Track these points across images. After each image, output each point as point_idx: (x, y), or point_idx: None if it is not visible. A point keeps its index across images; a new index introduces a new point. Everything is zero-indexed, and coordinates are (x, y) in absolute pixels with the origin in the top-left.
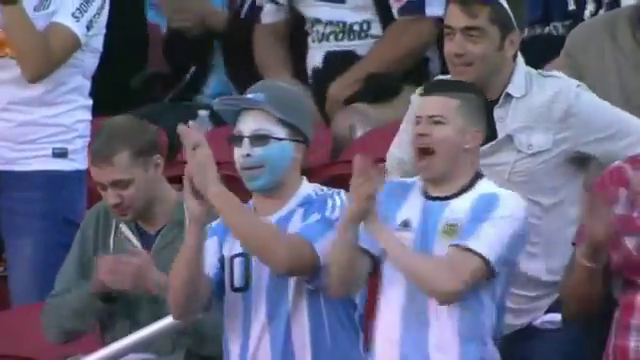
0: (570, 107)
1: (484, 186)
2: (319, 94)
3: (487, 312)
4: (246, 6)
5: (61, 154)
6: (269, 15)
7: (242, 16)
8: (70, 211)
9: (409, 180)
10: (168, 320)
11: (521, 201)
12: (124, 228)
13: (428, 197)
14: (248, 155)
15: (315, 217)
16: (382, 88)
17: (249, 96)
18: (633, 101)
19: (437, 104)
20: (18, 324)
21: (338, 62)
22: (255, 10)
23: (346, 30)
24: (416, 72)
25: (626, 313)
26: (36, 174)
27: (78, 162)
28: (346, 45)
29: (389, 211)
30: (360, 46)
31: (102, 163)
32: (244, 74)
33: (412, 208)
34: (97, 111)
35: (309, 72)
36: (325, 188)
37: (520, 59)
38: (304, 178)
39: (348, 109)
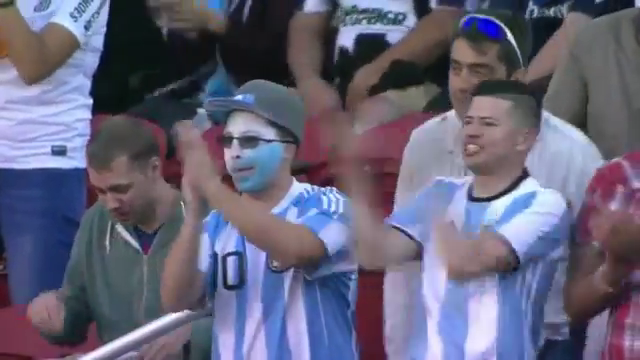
0: (570, 171)
1: (528, 186)
2: (344, 78)
3: (523, 310)
4: (246, 11)
5: (60, 152)
6: (313, 4)
7: (243, 21)
8: (70, 209)
9: (458, 181)
10: (167, 319)
11: (560, 200)
12: (120, 228)
13: (471, 198)
14: (238, 157)
15: (313, 211)
16: (404, 75)
17: (238, 97)
18: (634, 104)
19: (488, 105)
20: (18, 322)
21: (368, 46)
22: (256, 15)
23: (381, 17)
24: (435, 68)
25: (621, 312)
26: (35, 172)
27: (77, 160)
28: (378, 28)
29: (435, 210)
30: (392, 31)
31: (100, 168)
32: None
33: (456, 210)
34: (98, 109)
35: (336, 55)
36: (316, 187)
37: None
38: (294, 178)
39: (376, 99)
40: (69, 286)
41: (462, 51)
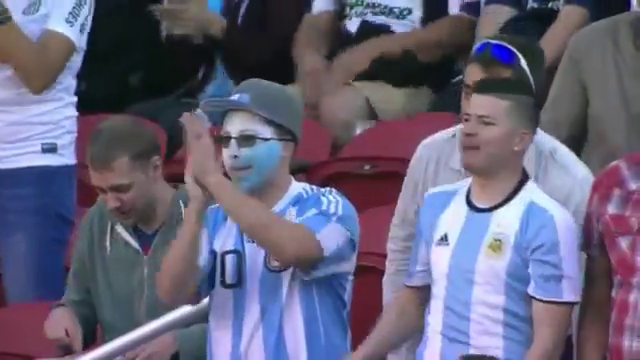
0: (567, 206)
1: (529, 193)
2: None
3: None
4: (241, 12)
5: (50, 149)
6: (322, 4)
7: (239, 23)
8: (61, 206)
9: (451, 187)
10: (165, 319)
11: (568, 215)
12: (120, 229)
13: (472, 207)
14: (235, 156)
15: (312, 211)
16: (407, 72)
17: (234, 97)
18: (632, 108)
19: (487, 103)
20: (17, 322)
21: (372, 32)
22: (251, 17)
23: (386, 11)
24: (435, 73)
25: (621, 313)
26: (26, 170)
27: (67, 157)
28: (383, 20)
29: (429, 221)
30: (396, 24)
31: (101, 169)
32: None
33: (453, 218)
34: (97, 109)
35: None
36: (315, 187)
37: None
38: (292, 177)
39: (347, 90)
40: (76, 288)
41: (475, 76)
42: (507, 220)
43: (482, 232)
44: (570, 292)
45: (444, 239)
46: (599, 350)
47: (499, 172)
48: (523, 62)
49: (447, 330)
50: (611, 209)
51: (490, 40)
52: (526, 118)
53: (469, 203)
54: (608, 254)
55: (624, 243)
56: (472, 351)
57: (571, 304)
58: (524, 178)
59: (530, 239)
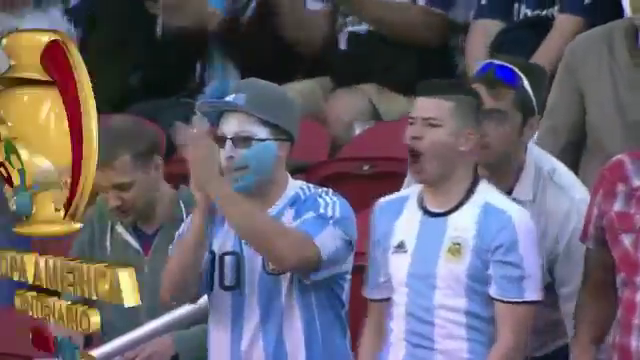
0: (563, 230)
1: (483, 194)
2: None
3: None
4: (250, 9)
5: None
6: (312, 2)
7: (247, 19)
8: None
9: (404, 193)
10: (165, 319)
11: (527, 214)
12: (120, 229)
13: (426, 212)
14: (231, 157)
15: (310, 214)
16: (409, 78)
17: (229, 98)
18: (628, 117)
19: (432, 105)
20: (13, 322)
21: (360, 41)
22: (260, 16)
23: None
24: (439, 74)
25: (628, 312)
26: None
27: None
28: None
29: (383, 230)
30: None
31: (103, 167)
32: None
33: (408, 224)
34: (98, 109)
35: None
36: (312, 187)
37: (531, 157)
38: (289, 176)
39: (353, 92)
40: None
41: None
42: (463, 223)
43: (439, 237)
44: (532, 291)
45: (401, 246)
46: (594, 326)
47: (450, 175)
48: (526, 83)
49: (410, 336)
50: (617, 206)
51: (493, 60)
52: (470, 118)
53: (422, 208)
54: (608, 248)
55: (627, 240)
56: (437, 356)
57: (533, 303)
58: (475, 180)
59: (489, 241)
